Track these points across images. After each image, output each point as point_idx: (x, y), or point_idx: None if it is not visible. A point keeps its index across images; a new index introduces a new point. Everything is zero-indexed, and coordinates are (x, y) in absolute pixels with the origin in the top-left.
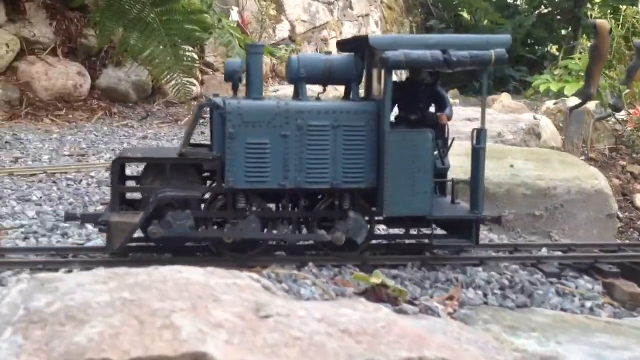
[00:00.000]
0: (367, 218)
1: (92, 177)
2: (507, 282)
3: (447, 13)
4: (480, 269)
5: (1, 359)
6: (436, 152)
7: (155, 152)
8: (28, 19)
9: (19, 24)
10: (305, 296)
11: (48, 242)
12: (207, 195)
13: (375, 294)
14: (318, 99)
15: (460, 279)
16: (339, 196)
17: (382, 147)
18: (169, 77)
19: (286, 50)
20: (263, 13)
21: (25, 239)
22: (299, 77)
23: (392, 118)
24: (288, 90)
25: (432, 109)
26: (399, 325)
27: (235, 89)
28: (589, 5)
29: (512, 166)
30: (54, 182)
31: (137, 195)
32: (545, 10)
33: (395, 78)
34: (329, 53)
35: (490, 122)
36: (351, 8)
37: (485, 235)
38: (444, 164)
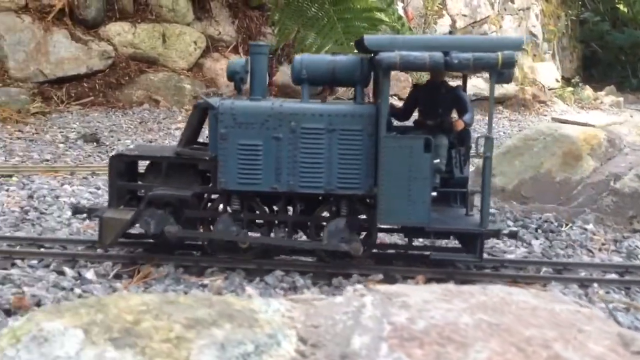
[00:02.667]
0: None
1: None
2: None
3: (603, 5)
4: None
5: None
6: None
7: (157, 150)
8: (213, 17)
9: (204, 22)
10: (624, 324)
11: None
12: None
13: None
14: (323, 101)
15: None
16: (335, 202)
17: (378, 153)
18: None
19: None
20: (428, 8)
21: None
22: (300, 79)
23: (411, 122)
24: None
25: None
26: None
27: (237, 89)
28: None
29: None
30: None
31: None
32: None
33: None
34: (335, 54)
35: None
36: (512, 1)
37: None
38: (462, 173)
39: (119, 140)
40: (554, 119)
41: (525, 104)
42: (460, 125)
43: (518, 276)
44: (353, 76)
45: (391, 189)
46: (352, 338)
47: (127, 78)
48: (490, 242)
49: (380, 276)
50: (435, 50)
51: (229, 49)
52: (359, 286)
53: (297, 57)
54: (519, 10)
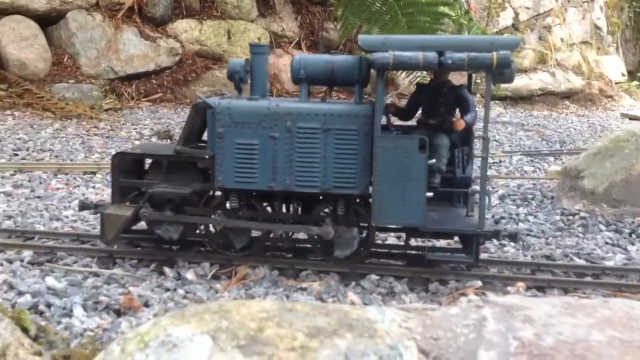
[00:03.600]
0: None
1: None
2: None
3: None
4: None
5: None
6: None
7: (159, 148)
8: (277, 13)
9: (268, 19)
10: None
11: None
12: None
13: None
14: (323, 100)
15: None
16: (332, 201)
17: (373, 153)
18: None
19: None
20: (491, 1)
21: None
22: (299, 78)
23: (414, 122)
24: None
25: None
26: None
27: (237, 88)
28: None
29: None
30: None
31: None
32: None
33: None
34: (334, 53)
35: None
36: None
37: None
38: (464, 173)
39: None
40: (623, 115)
41: (592, 98)
42: (460, 124)
43: (622, 285)
44: (352, 76)
45: (386, 189)
46: (478, 353)
47: (193, 74)
48: (588, 248)
49: (479, 283)
50: (429, 50)
51: (292, 45)
52: (473, 297)
53: (296, 56)
54: (584, 2)
